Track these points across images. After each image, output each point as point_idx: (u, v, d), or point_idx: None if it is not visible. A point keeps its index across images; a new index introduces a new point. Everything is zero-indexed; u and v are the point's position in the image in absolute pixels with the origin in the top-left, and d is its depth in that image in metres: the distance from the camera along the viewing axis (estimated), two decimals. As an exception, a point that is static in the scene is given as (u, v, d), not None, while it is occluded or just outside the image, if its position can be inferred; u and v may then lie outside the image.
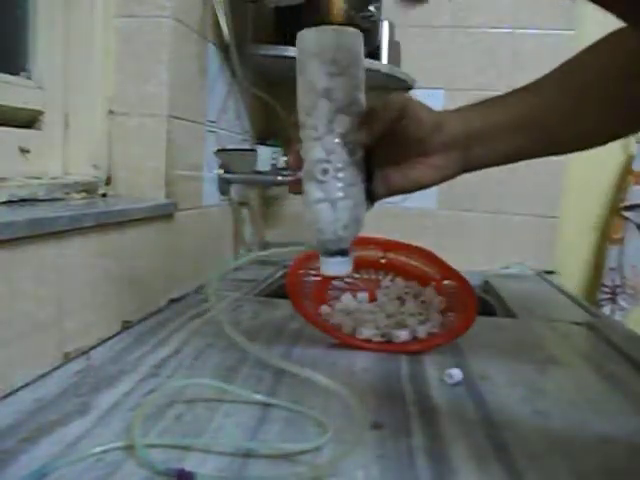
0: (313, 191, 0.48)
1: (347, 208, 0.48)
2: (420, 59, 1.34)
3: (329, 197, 0.48)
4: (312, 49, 0.46)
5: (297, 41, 0.47)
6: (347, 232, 0.49)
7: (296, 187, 0.51)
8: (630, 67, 0.52)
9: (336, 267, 0.50)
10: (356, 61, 0.48)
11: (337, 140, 0.47)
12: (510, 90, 0.57)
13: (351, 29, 0.48)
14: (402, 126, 0.51)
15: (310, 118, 0.48)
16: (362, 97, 0.49)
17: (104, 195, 0.76)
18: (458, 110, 0.56)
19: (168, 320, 0.73)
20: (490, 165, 0.56)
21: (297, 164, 0.50)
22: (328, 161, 0.47)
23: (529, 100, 0.56)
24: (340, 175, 0.48)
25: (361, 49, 0.48)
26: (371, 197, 0.51)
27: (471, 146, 0.54)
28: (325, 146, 0.47)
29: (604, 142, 0.58)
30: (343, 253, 0.50)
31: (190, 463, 0.39)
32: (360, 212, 0.49)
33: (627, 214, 1.35)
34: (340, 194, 0.48)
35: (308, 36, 0.47)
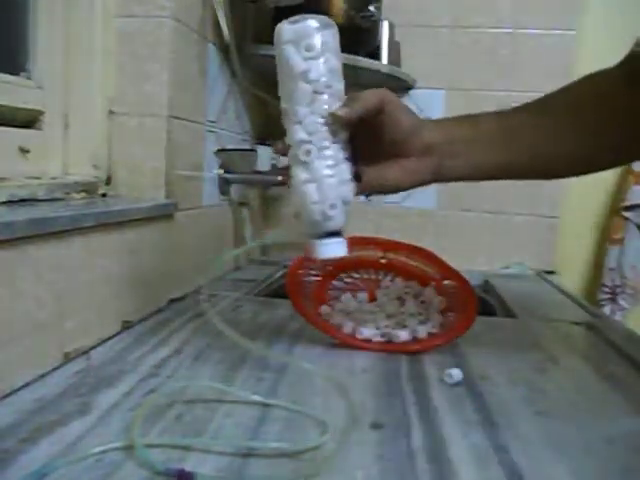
0: (298, 173, 0.49)
1: (333, 186, 0.49)
2: (420, 59, 1.34)
3: (314, 177, 0.48)
4: (287, 37, 0.49)
5: (274, 35, 0.50)
6: (335, 211, 0.49)
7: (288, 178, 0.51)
8: (600, 107, 0.57)
9: (330, 249, 0.49)
10: (330, 47, 0.49)
11: (318, 120, 0.48)
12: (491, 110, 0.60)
13: (324, 17, 0.49)
14: (379, 123, 0.52)
15: (291, 103, 0.49)
16: (340, 83, 0.51)
17: (104, 195, 0.76)
18: (437, 120, 0.57)
19: (168, 320, 0.73)
20: (464, 178, 0.58)
21: (284, 151, 0.51)
22: (310, 142, 0.49)
23: (506, 120, 0.59)
24: (323, 154, 0.48)
25: (335, 37, 0.50)
26: (357, 178, 0.52)
27: (446, 155, 0.55)
28: (306, 127, 0.49)
29: (585, 171, 0.61)
30: (335, 234, 0.49)
31: (190, 463, 0.39)
32: (347, 191, 0.50)
33: (627, 214, 1.35)
34: (324, 173, 0.48)
35: (283, 27, 0.49)
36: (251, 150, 1.07)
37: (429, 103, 1.35)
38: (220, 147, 1.00)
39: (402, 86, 1.32)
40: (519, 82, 1.32)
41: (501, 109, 0.59)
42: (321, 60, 0.48)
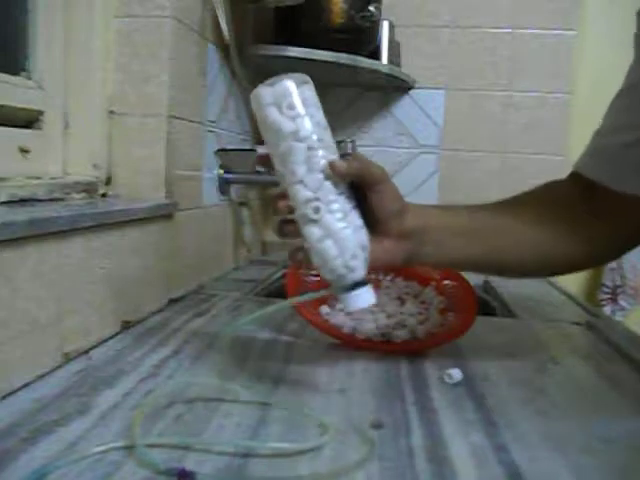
0: (312, 232, 0.49)
1: (349, 237, 0.48)
2: (420, 59, 1.35)
3: (328, 232, 0.48)
4: (268, 100, 0.48)
5: (252, 102, 0.49)
6: (357, 261, 0.49)
7: (288, 230, 0.52)
8: (563, 212, 0.61)
9: (360, 300, 0.49)
10: (311, 102, 0.49)
11: (319, 175, 0.48)
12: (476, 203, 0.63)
13: (298, 75, 0.49)
14: (366, 198, 0.52)
15: (286, 165, 0.49)
16: (329, 135, 0.50)
17: (104, 195, 0.76)
18: (421, 207, 0.59)
19: (168, 320, 0.73)
20: (437, 266, 0.59)
21: (287, 212, 0.50)
22: (317, 198, 0.48)
23: (481, 217, 0.61)
24: (332, 207, 0.48)
25: (313, 92, 0.50)
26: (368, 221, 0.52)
27: (421, 243, 0.57)
28: (309, 185, 0.48)
29: (550, 274, 0.64)
30: (362, 284, 0.49)
31: (190, 463, 0.39)
32: (363, 237, 0.49)
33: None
34: (338, 225, 0.48)
35: (261, 91, 0.48)
36: (251, 150, 1.07)
37: (429, 103, 1.35)
38: (220, 147, 1.00)
39: (402, 86, 1.32)
40: (519, 82, 1.32)
41: (483, 203, 0.62)
42: (307, 117, 0.48)
